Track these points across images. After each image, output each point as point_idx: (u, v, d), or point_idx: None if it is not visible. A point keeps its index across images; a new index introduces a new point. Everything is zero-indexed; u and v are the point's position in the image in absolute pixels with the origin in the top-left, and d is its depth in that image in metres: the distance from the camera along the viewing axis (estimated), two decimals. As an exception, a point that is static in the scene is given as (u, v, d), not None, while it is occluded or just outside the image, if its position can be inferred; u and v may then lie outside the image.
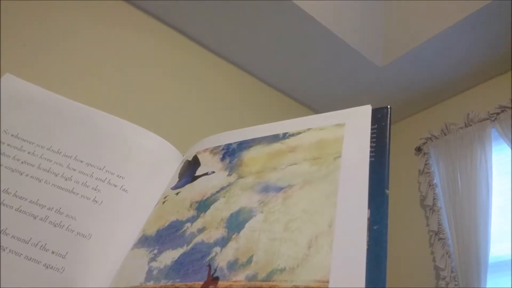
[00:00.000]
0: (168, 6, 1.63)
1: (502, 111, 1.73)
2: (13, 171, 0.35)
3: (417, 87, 2.01)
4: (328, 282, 0.24)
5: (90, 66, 1.45)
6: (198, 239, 0.31)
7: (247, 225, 0.30)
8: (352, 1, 1.77)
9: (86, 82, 1.41)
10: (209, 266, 0.29)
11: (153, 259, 0.31)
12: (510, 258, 1.53)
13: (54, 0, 1.43)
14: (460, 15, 1.60)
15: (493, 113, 1.76)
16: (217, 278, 0.28)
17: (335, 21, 1.70)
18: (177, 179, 0.39)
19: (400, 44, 1.82)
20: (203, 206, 0.34)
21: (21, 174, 0.35)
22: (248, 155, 0.37)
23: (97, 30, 1.52)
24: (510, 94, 1.73)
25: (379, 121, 0.33)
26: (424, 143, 2.01)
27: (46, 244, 0.31)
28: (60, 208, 0.33)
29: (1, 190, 0.33)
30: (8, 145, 0.36)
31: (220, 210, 0.33)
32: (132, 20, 1.63)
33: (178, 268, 0.30)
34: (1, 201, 0.33)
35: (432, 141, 1.98)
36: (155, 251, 0.32)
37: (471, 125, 1.83)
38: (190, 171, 0.39)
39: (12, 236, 0.31)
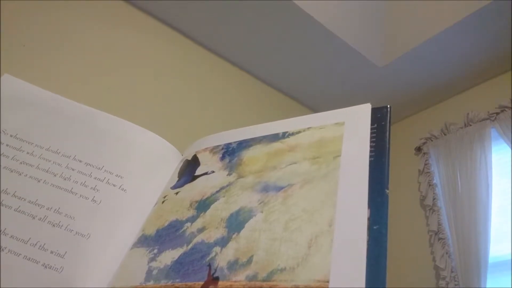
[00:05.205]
0: (168, 6, 1.63)
1: (502, 111, 1.73)
2: (12, 171, 0.35)
3: (417, 87, 2.01)
4: (328, 281, 0.24)
5: (90, 66, 1.45)
6: (198, 239, 0.31)
7: (247, 225, 0.30)
8: (352, 1, 1.77)
9: (86, 82, 1.41)
10: (209, 266, 0.29)
11: (152, 259, 0.31)
12: (510, 258, 1.53)
13: (54, 0, 1.43)
14: (460, 15, 1.60)
15: (493, 113, 1.76)
16: (217, 278, 0.27)
17: (335, 21, 1.70)
18: (177, 179, 0.39)
19: (400, 44, 1.82)
20: (203, 205, 0.34)
21: (20, 174, 0.35)
22: (248, 155, 0.37)
23: (97, 30, 1.51)
24: (510, 94, 1.73)
25: (379, 120, 0.33)
26: (424, 143, 2.01)
27: (45, 244, 0.31)
28: (59, 208, 0.33)
29: (0, 190, 0.33)
30: (7, 145, 0.36)
31: (220, 210, 0.33)
32: (132, 20, 1.63)
33: (178, 268, 0.30)
34: (0, 201, 0.33)
35: (432, 141, 1.98)
36: (155, 251, 0.32)
37: (471, 125, 1.83)
38: (189, 170, 0.39)
39: (11, 236, 0.31)
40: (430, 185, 1.88)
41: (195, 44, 1.80)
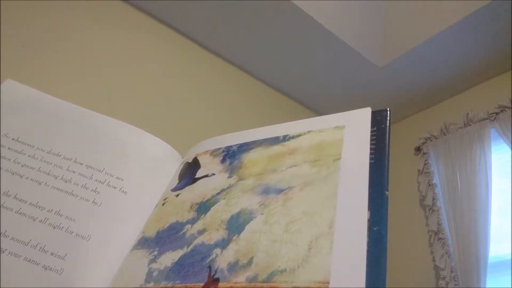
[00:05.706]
0: (167, 6, 1.63)
1: (502, 111, 1.73)
2: (13, 174, 0.35)
3: (417, 87, 2.01)
4: (328, 283, 0.24)
5: (90, 67, 1.45)
6: (198, 240, 0.31)
7: (247, 226, 0.30)
8: (351, 2, 1.77)
9: (86, 83, 1.41)
10: (210, 267, 0.29)
11: (153, 260, 0.31)
12: (510, 258, 1.53)
13: (54, 0, 1.43)
14: (460, 15, 1.60)
15: (493, 113, 1.76)
16: (217, 280, 0.28)
17: (335, 22, 1.70)
18: (177, 181, 0.39)
19: (399, 44, 1.82)
20: (203, 207, 0.34)
21: (21, 177, 0.35)
22: (249, 157, 0.37)
23: (97, 31, 1.51)
24: (510, 94, 1.73)
25: (379, 123, 0.33)
26: (423, 143, 2.01)
27: (45, 245, 0.31)
28: (60, 210, 0.33)
29: (1, 192, 0.33)
30: (8, 148, 0.36)
31: (221, 212, 0.33)
32: (132, 21, 1.63)
33: (178, 269, 0.30)
34: (1, 204, 0.33)
35: (431, 141, 1.98)
36: (155, 253, 0.32)
37: (470, 125, 1.83)
38: (190, 173, 0.39)
39: (12, 238, 0.31)
40: (429, 185, 1.88)
41: (195, 44, 1.80)
